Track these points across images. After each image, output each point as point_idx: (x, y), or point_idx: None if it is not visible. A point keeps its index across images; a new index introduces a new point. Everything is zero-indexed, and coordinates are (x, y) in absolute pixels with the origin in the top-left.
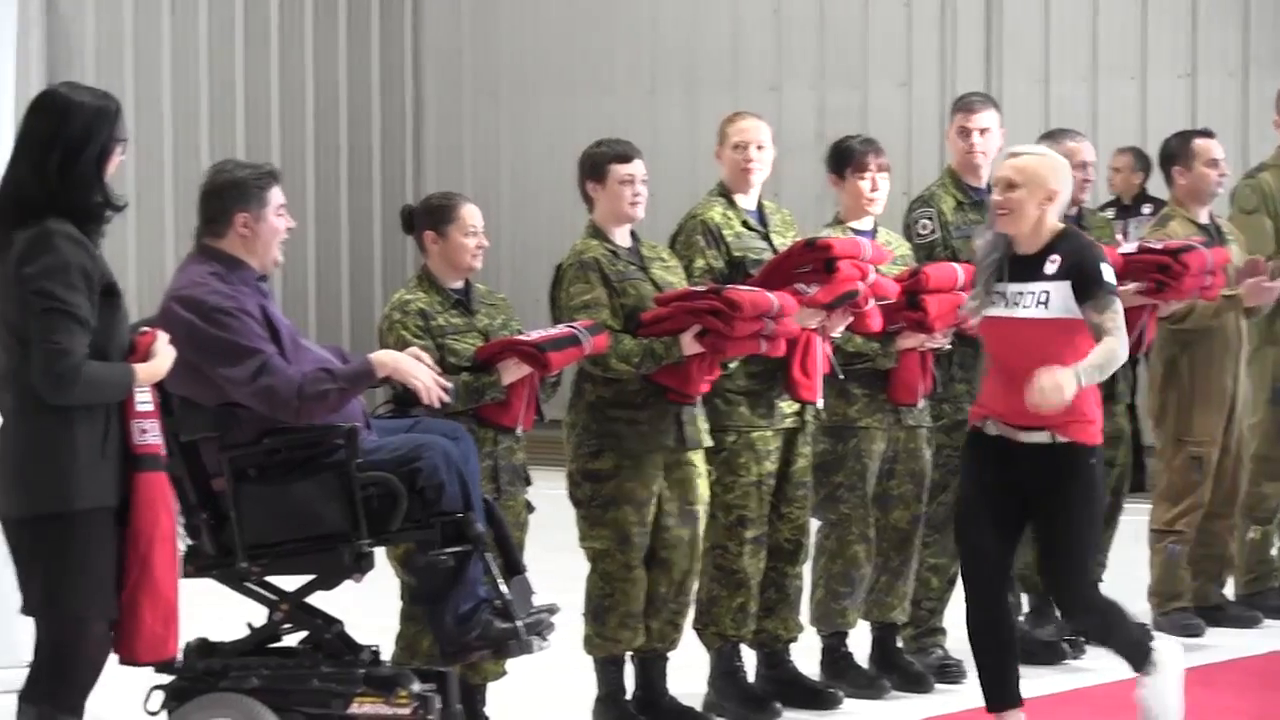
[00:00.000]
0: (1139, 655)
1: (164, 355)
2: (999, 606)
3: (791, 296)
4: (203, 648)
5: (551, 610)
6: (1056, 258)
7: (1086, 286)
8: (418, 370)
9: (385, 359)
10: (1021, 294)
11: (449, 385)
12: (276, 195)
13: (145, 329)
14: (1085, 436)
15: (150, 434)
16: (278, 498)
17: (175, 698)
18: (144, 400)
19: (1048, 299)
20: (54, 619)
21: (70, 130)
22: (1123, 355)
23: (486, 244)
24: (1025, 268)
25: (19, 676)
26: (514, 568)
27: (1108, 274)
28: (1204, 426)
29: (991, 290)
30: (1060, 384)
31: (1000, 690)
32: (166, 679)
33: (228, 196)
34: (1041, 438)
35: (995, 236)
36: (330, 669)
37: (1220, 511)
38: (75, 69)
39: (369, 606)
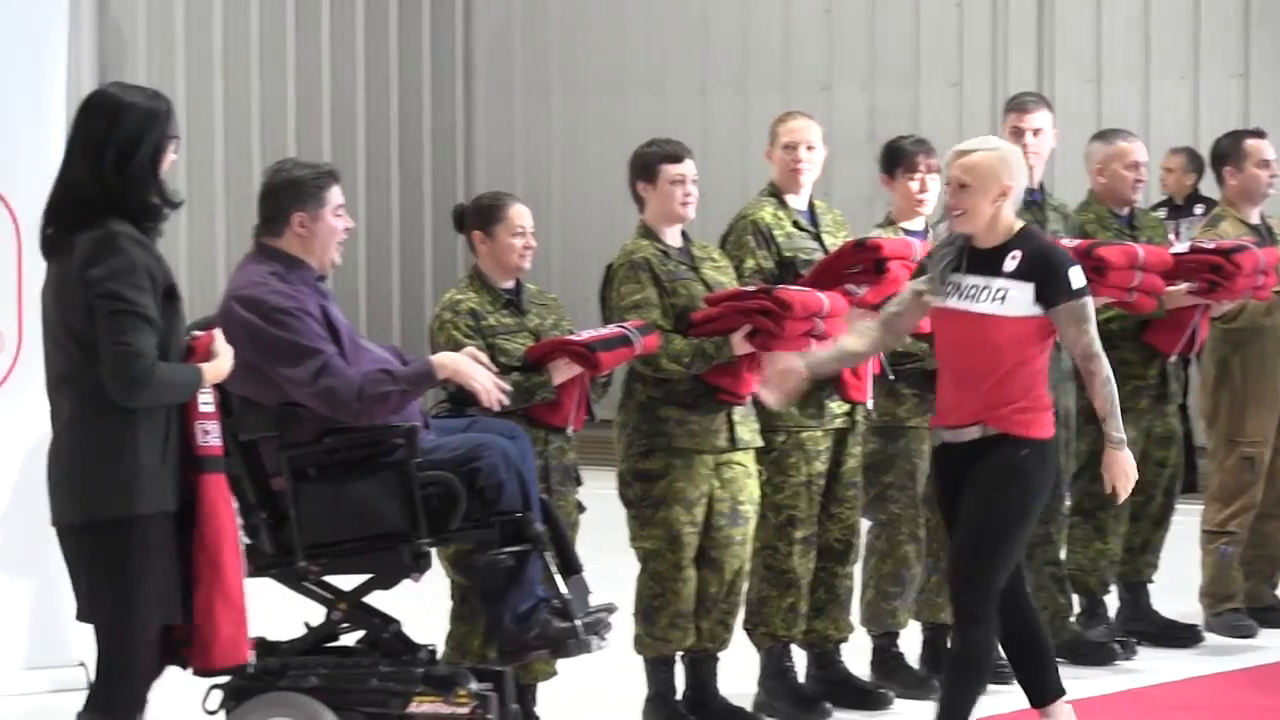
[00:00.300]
0: (951, 713)
1: (225, 354)
2: (1012, 609)
3: (842, 297)
4: (261, 647)
5: (609, 609)
6: (1017, 254)
7: (1054, 293)
8: (477, 372)
9: (446, 361)
10: (978, 288)
11: (508, 388)
12: (335, 195)
13: (197, 331)
14: (1016, 428)
15: (212, 435)
16: (337, 497)
17: (234, 697)
18: (206, 401)
19: (1005, 296)
20: (114, 626)
21: (123, 130)
22: (1109, 370)
23: (534, 244)
24: (984, 261)
25: (69, 676)
26: (571, 567)
27: (1077, 279)
28: (1256, 427)
29: (946, 280)
30: (1123, 470)
31: (1040, 686)
32: (224, 678)
33: (285, 196)
34: (974, 433)
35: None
36: (388, 668)
37: (1273, 512)
38: (126, 69)
39: (420, 605)
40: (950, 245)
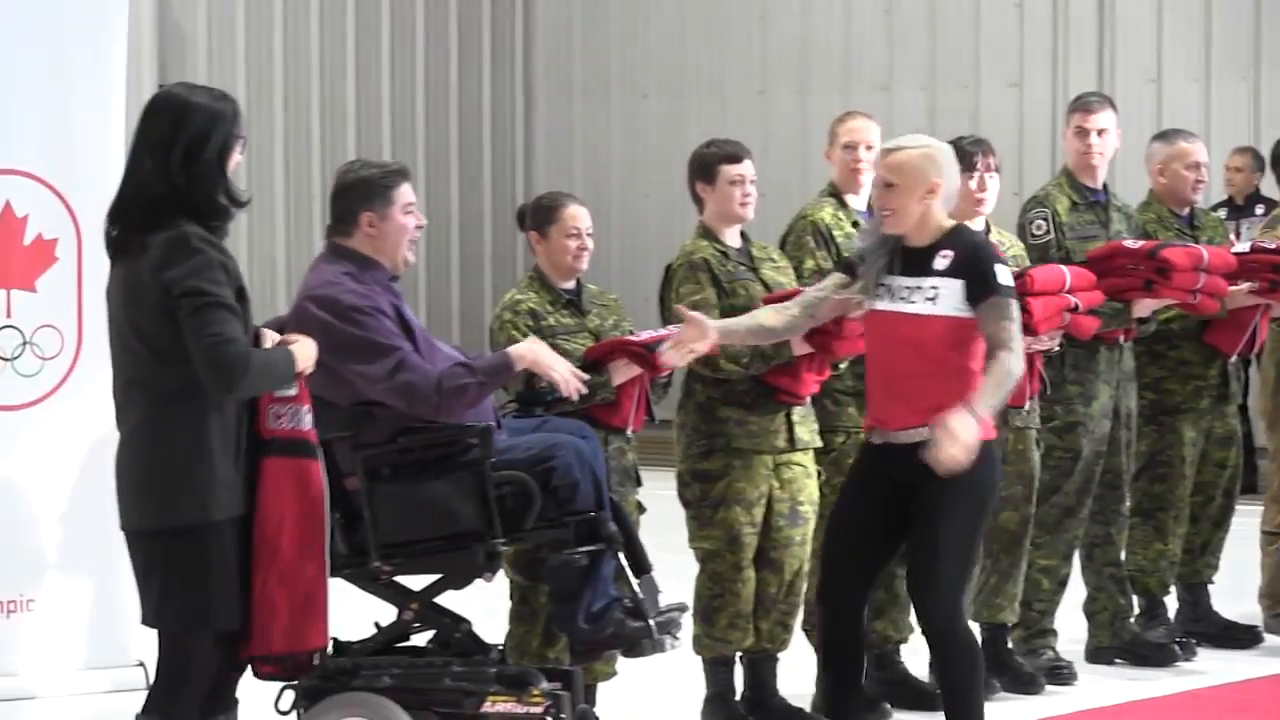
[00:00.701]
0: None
1: (305, 340)
2: (856, 622)
3: None
4: (333, 647)
5: (681, 609)
6: (948, 253)
7: (979, 288)
8: (556, 362)
9: (524, 351)
10: (910, 289)
11: (585, 376)
12: (403, 193)
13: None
14: None
15: (285, 419)
16: (412, 497)
17: (307, 697)
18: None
19: (936, 295)
20: (181, 632)
21: (189, 129)
22: (1019, 370)
23: (590, 245)
24: (915, 261)
25: (128, 676)
26: (641, 566)
27: (1003, 276)
28: None
29: (880, 282)
30: (954, 430)
31: (844, 706)
32: (296, 679)
33: (354, 196)
34: (921, 434)
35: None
36: (461, 668)
37: None
38: (187, 69)
39: (478, 606)
40: (882, 247)
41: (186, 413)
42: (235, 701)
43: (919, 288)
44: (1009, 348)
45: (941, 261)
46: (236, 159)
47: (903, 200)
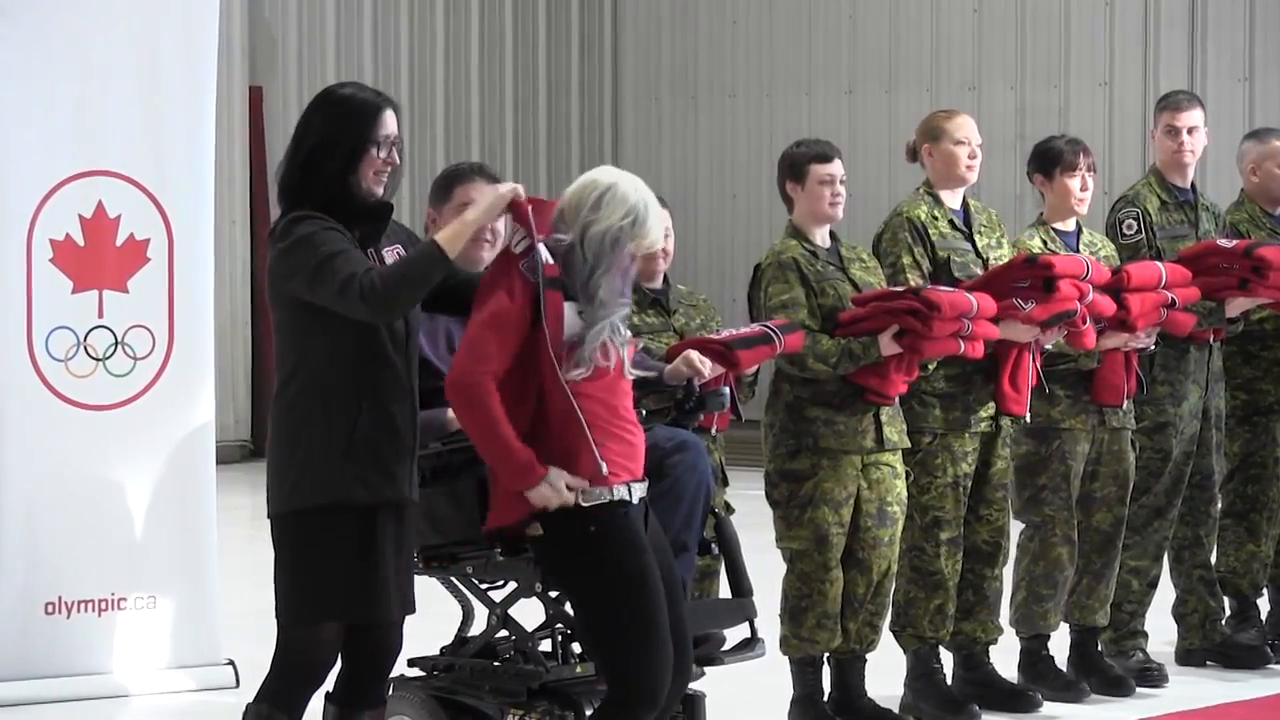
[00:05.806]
0: None
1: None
2: None
3: (990, 298)
4: (452, 644)
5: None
6: None
7: None
8: None
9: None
10: None
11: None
12: (464, 193)
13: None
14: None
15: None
16: (439, 501)
17: (394, 689)
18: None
19: None
20: (284, 620)
21: (321, 120)
22: None
23: (670, 249)
24: None
25: (217, 675)
26: (739, 589)
27: None
28: None
29: None
30: None
31: None
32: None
33: (430, 195)
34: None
35: None
36: (497, 679)
37: None
38: (277, 71)
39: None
40: None
41: (294, 401)
42: (382, 699)
43: None
44: None
45: None
46: (373, 161)
47: None
